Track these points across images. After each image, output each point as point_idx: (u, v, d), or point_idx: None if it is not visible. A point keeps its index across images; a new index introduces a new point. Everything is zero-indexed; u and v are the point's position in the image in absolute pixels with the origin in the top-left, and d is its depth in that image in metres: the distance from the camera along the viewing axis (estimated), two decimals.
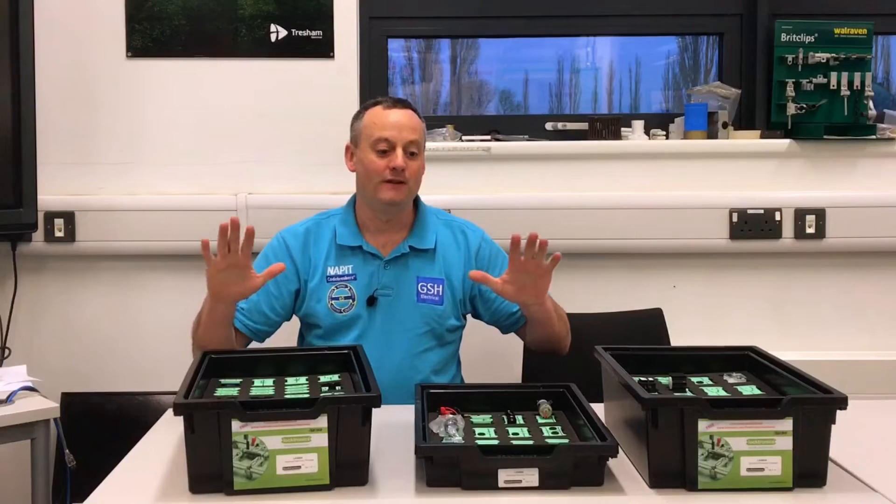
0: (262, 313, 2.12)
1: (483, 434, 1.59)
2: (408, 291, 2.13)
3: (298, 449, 1.45)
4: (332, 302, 2.12)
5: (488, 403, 1.72)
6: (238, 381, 1.73)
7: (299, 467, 1.45)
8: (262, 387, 1.70)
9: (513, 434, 1.59)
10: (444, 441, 1.54)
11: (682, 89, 3.14)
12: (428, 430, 1.54)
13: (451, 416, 1.59)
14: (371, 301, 2.12)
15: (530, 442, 1.55)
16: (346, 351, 1.82)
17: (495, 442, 1.55)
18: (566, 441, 1.55)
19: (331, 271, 2.13)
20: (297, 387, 1.70)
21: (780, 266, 2.90)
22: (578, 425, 1.59)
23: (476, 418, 1.68)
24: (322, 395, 1.58)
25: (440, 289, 2.15)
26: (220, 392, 1.66)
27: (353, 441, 1.47)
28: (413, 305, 2.13)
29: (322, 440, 1.45)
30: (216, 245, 1.79)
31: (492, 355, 2.51)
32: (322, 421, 1.45)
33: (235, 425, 1.43)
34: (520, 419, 1.67)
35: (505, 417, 1.67)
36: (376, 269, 2.13)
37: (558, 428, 1.62)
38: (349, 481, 1.48)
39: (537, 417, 1.67)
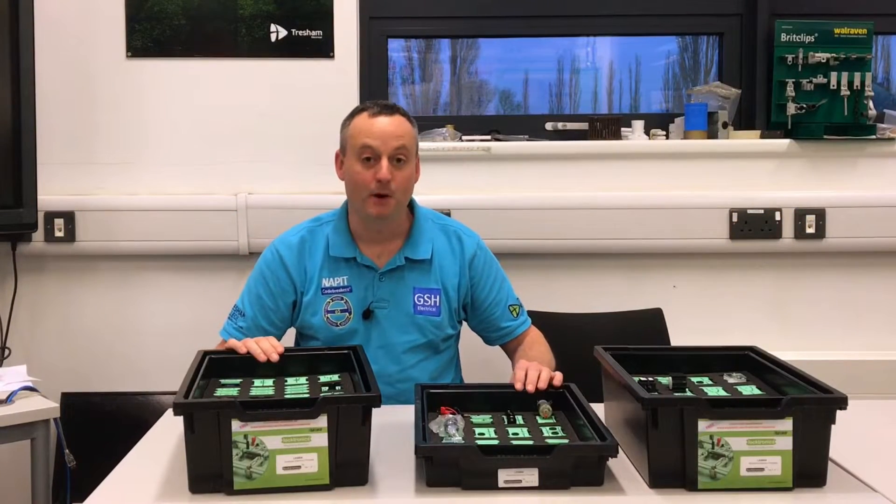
0: (261, 328, 2.10)
1: (483, 434, 1.59)
2: (404, 303, 2.09)
3: (298, 449, 1.45)
4: (329, 315, 2.09)
5: (488, 403, 1.72)
6: (238, 381, 1.73)
7: (299, 467, 1.45)
8: (262, 387, 1.70)
9: (513, 434, 1.60)
10: (444, 441, 1.54)
11: (682, 89, 3.14)
12: (428, 430, 1.54)
13: (451, 416, 1.59)
14: (367, 314, 2.08)
15: (530, 442, 1.55)
16: (346, 351, 1.82)
17: (495, 442, 1.55)
18: (566, 441, 1.55)
19: (325, 283, 2.09)
20: (297, 387, 1.70)
21: (780, 266, 2.90)
22: (578, 425, 1.59)
23: (476, 418, 1.68)
24: (322, 394, 1.58)
25: (437, 300, 2.11)
26: (220, 392, 1.66)
27: (353, 441, 1.47)
28: (410, 317, 2.09)
29: (322, 440, 1.45)
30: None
31: (492, 355, 2.51)
32: (322, 421, 1.45)
33: (235, 425, 1.43)
34: (520, 419, 1.67)
35: (505, 417, 1.67)
36: (371, 281, 2.09)
37: (558, 428, 1.62)
38: (349, 481, 1.48)
39: (537, 417, 1.68)
